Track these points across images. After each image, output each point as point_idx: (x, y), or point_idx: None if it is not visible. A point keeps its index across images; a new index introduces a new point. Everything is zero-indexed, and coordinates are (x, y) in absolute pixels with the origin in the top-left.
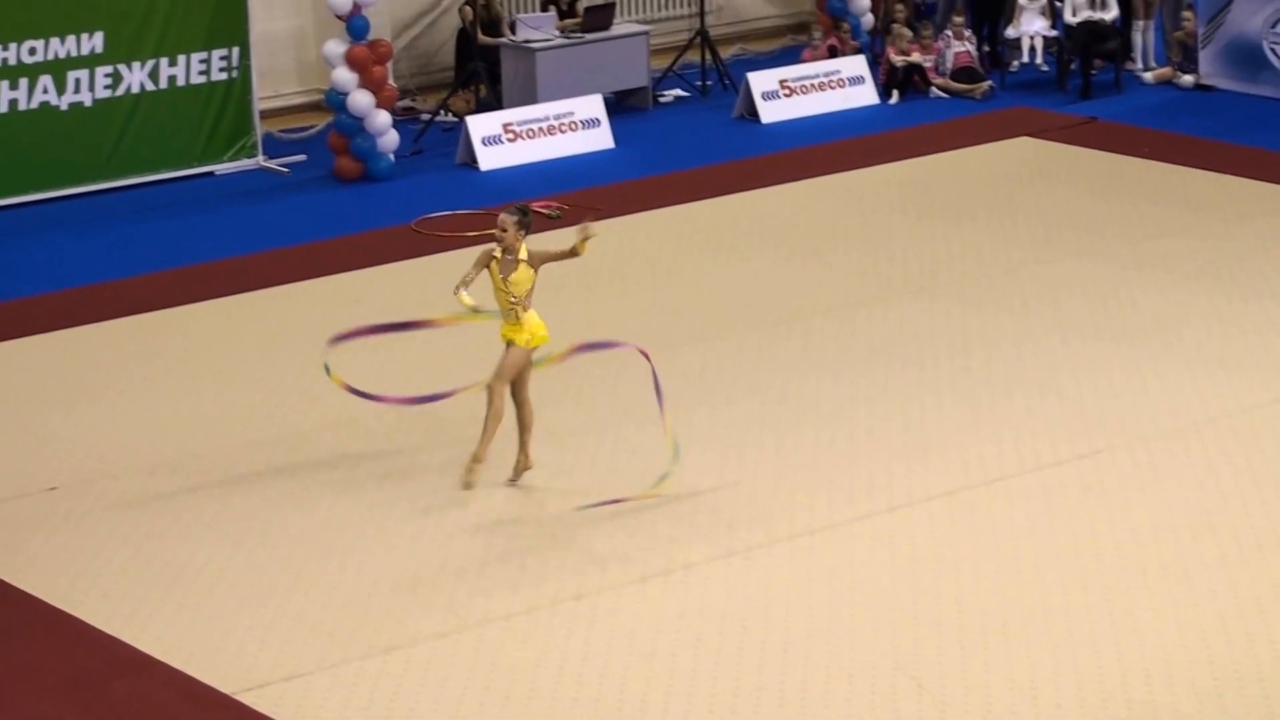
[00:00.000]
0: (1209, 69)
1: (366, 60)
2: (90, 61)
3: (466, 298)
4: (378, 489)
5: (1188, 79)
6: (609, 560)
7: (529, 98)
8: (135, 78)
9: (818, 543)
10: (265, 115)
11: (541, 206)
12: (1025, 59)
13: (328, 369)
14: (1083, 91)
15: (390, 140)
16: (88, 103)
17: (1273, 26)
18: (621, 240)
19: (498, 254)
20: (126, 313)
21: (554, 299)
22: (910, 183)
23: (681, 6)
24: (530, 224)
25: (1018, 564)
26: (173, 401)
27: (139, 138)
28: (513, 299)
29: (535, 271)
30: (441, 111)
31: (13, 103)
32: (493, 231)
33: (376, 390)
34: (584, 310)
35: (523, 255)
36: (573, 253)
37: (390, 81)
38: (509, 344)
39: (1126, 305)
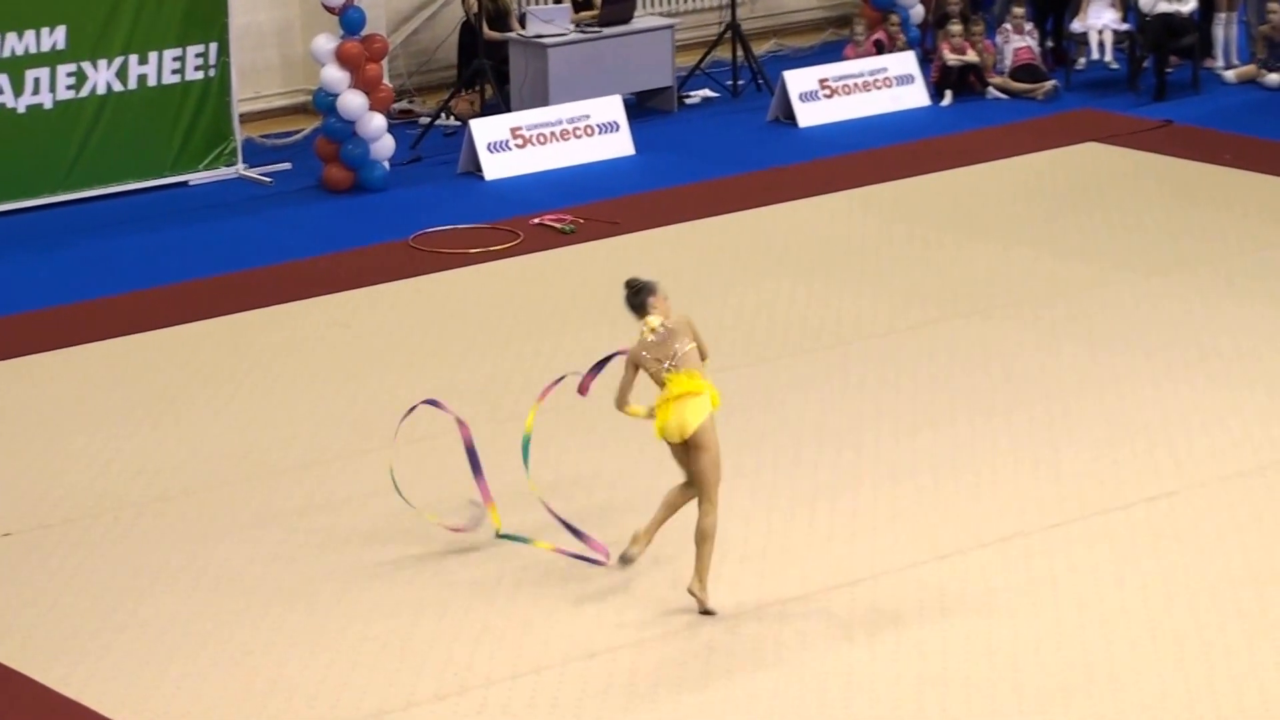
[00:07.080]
0: None
1: (359, 58)
2: (51, 59)
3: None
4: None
5: (1274, 77)
6: (648, 602)
7: (540, 99)
8: (101, 77)
9: (858, 594)
10: (246, 119)
11: (553, 220)
12: (1093, 55)
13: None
14: (1157, 92)
15: (385, 146)
16: (48, 105)
17: None
18: (642, 257)
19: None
20: (91, 339)
21: (564, 325)
22: (964, 194)
23: None
24: (641, 305)
25: (1080, 617)
26: (141, 436)
27: (105, 144)
28: None
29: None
30: (442, 115)
31: None
32: (496, 248)
33: None
34: (602, 335)
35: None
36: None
37: (385, 81)
38: None
39: (1204, 328)
